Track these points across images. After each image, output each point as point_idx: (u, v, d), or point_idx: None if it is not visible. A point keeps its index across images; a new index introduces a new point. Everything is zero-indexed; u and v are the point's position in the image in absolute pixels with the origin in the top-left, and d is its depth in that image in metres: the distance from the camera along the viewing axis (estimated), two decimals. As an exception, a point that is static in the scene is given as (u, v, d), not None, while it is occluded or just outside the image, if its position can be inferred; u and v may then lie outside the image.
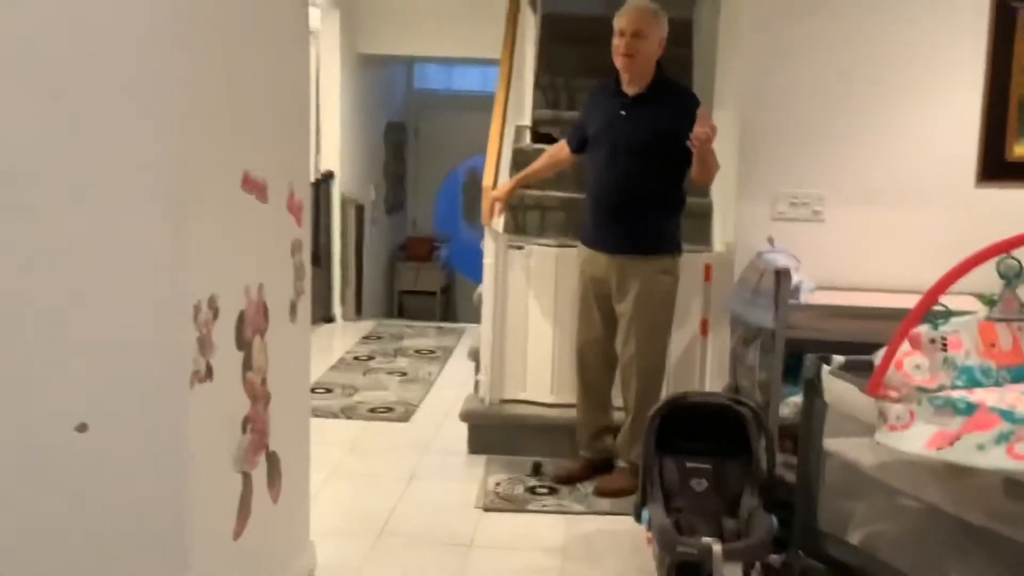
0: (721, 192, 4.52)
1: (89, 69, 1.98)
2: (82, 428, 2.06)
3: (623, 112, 3.73)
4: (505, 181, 4.38)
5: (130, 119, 2.01)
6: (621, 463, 3.86)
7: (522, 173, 4.20)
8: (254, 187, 2.44)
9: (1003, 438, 2.20)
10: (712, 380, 4.16)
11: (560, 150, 4.09)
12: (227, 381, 2.30)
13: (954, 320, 2.60)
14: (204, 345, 2.14)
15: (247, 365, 2.42)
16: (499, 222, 4.35)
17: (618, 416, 3.95)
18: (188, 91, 2.06)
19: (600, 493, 3.78)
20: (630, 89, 3.73)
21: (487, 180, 4.31)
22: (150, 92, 2.00)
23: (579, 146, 3.95)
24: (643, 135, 3.67)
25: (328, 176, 6.98)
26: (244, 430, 2.43)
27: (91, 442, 2.08)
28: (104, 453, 2.09)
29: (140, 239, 2.03)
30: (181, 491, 2.13)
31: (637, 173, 3.65)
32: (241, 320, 2.36)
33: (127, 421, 2.08)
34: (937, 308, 2.52)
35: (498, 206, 4.13)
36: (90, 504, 2.10)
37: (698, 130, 3.41)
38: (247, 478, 2.47)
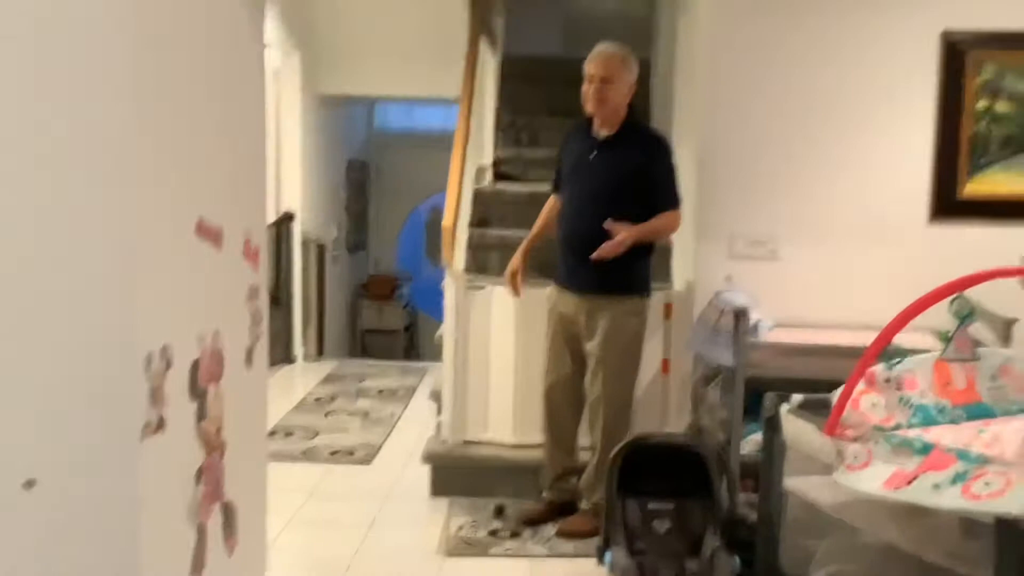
0: (681, 231, 4.54)
1: (34, 115, 1.95)
2: (30, 484, 2.00)
3: (593, 155, 3.76)
4: (465, 221, 4.39)
5: (77, 165, 1.98)
6: (584, 505, 3.84)
7: (528, 238, 4.10)
8: (208, 234, 2.41)
9: (959, 478, 2.21)
10: (674, 419, 4.16)
11: (552, 202, 4.06)
12: (180, 432, 2.26)
13: (909, 359, 2.62)
14: (156, 396, 2.10)
15: (201, 415, 2.38)
16: (459, 260, 4.35)
17: (583, 456, 3.93)
18: (138, 137, 2.03)
19: (563, 535, 3.76)
20: (601, 132, 3.76)
21: (447, 220, 4.31)
22: (98, 138, 1.98)
23: (559, 187, 3.98)
24: (612, 178, 3.69)
25: (289, 216, 6.95)
26: (198, 481, 2.38)
27: (39, 498, 2.02)
28: (52, 509, 2.04)
29: (88, 289, 2.00)
30: (132, 546, 2.08)
31: (605, 215, 3.65)
32: (195, 369, 2.32)
33: (76, 476, 2.03)
34: (891, 347, 2.54)
35: (519, 277, 4.00)
36: (38, 562, 2.05)
37: (604, 249, 3.55)
38: (201, 530, 2.42)
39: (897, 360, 2.60)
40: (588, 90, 3.70)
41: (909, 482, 2.31)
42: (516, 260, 4.03)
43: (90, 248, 1.99)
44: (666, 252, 4.73)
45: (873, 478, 2.40)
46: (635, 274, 3.75)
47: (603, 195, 3.69)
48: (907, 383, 2.60)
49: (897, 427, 2.53)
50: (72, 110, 1.97)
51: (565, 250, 3.82)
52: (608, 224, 3.57)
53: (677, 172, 3.72)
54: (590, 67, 3.71)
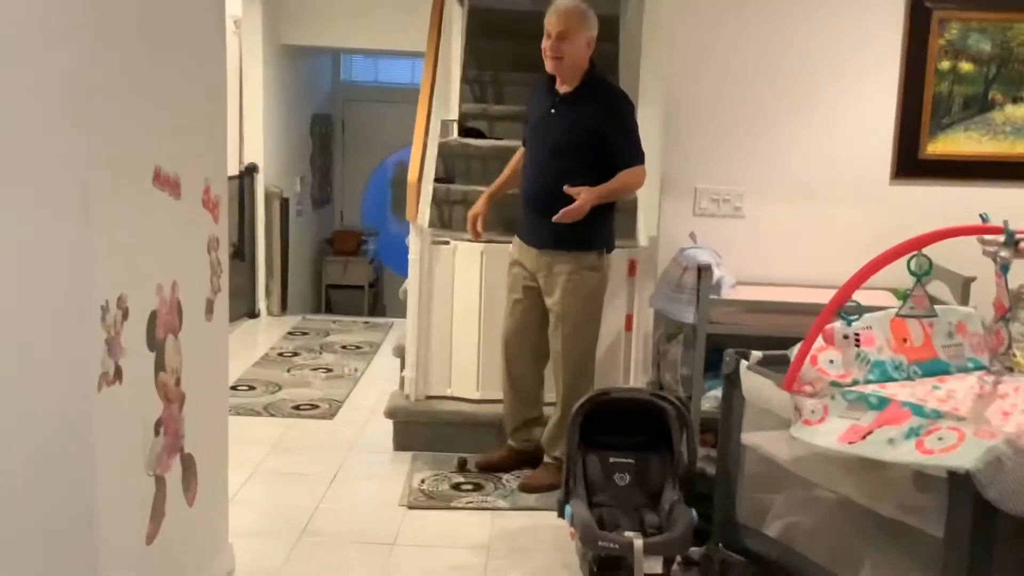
0: (645, 187, 4.53)
1: (-13, 60, 1.91)
2: (-17, 433, 1.98)
3: (553, 111, 3.74)
4: (430, 176, 4.36)
5: (32, 112, 1.94)
6: (546, 458, 3.87)
7: (493, 185, 4.10)
8: (166, 183, 2.38)
9: (913, 433, 2.25)
10: (636, 375, 4.19)
11: (519, 154, 4.04)
12: (138, 383, 2.24)
13: (867, 316, 2.65)
14: (112, 346, 2.08)
15: (160, 366, 2.36)
16: (424, 216, 4.32)
17: (548, 410, 3.96)
18: (94, 83, 1.99)
19: (525, 488, 3.79)
20: (561, 88, 3.73)
21: (412, 175, 4.27)
22: (54, 84, 1.94)
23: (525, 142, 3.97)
24: (571, 134, 3.67)
25: (252, 169, 6.86)
26: (157, 432, 2.37)
27: (-7, 447, 2.01)
28: (8, 459, 2.02)
29: (44, 237, 1.97)
30: (89, 496, 2.07)
31: (565, 171, 3.63)
32: (153, 320, 2.30)
33: (31, 426, 2.01)
34: (850, 304, 2.56)
35: (480, 221, 4.00)
36: (-7, 511, 2.03)
37: (565, 214, 3.54)
38: (160, 481, 2.41)
39: (855, 317, 2.62)
40: (546, 46, 3.67)
41: (864, 436, 2.35)
42: (479, 204, 4.04)
43: (42, 193, 1.95)
44: (631, 208, 4.73)
45: (829, 432, 2.44)
46: (595, 229, 3.72)
47: (563, 152, 3.67)
48: (865, 340, 2.63)
49: (854, 383, 2.56)
50: (24, 52, 1.92)
51: (526, 206, 3.82)
52: (568, 188, 3.55)
53: (637, 128, 3.70)
54: (547, 22, 3.67)
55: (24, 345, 1.99)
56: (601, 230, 3.75)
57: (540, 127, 3.78)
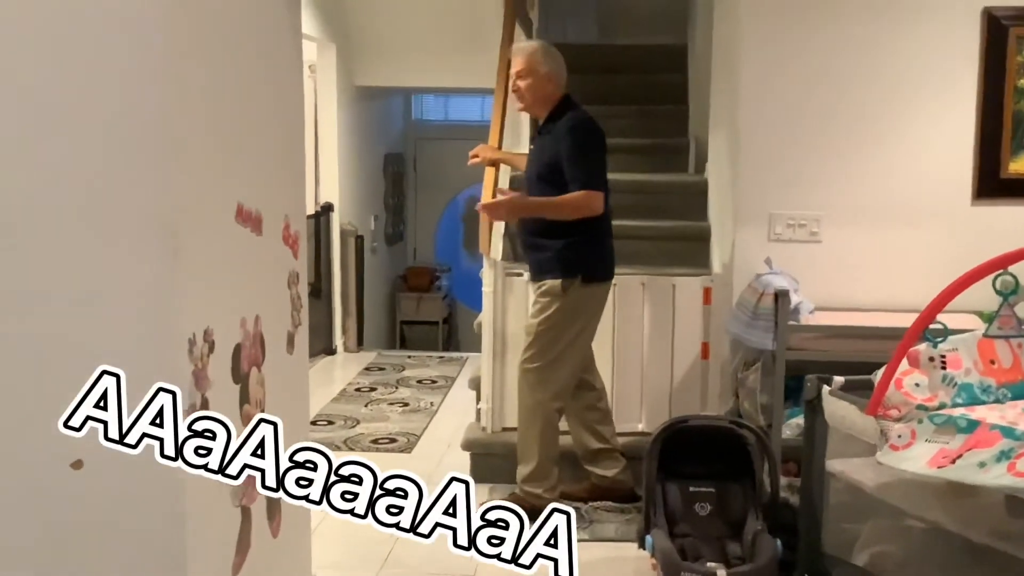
0: (718, 214, 4.52)
1: (77, 102, 1.99)
2: (77, 465, 2.04)
3: (532, 145, 4.01)
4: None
5: (119, 151, 2.01)
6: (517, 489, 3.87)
7: (508, 153, 4.45)
8: (248, 219, 2.44)
9: (1004, 456, 2.19)
10: (714, 403, 4.14)
11: None
12: (224, 414, 2.28)
13: (952, 338, 2.59)
14: (199, 379, 2.13)
15: (244, 398, 2.41)
16: (497, 249, 4.36)
17: (622, 440, 3.94)
18: (179, 123, 2.06)
19: None
20: (540, 123, 3.93)
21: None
22: (140, 124, 2.01)
23: None
24: (536, 166, 3.85)
25: (328, 208, 7.00)
26: (242, 464, 2.41)
27: (87, 479, 2.06)
28: (100, 491, 2.08)
29: (131, 273, 2.03)
30: (178, 528, 2.12)
31: None
32: (237, 353, 2.35)
33: (122, 458, 2.06)
34: (935, 326, 2.51)
35: (480, 159, 4.31)
36: (87, 544, 2.09)
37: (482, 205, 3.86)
38: (246, 512, 2.45)
39: (940, 339, 2.57)
40: (511, 86, 3.92)
41: (953, 460, 2.29)
42: (488, 148, 4.39)
43: (133, 231, 2.02)
44: (704, 237, 4.71)
45: (917, 457, 2.38)
46: (557, 257, 3.72)
47: (534, 184, 3.84)
48: (951, 362, 2.57)
49: (941, 406, 2.50)
50: (117, 93, 2.00)
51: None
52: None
53: (590, 154, 3.69)
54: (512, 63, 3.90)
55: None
56: (565, 258, 3.71)
57: (528, 161, 4.00)
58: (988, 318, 3.58)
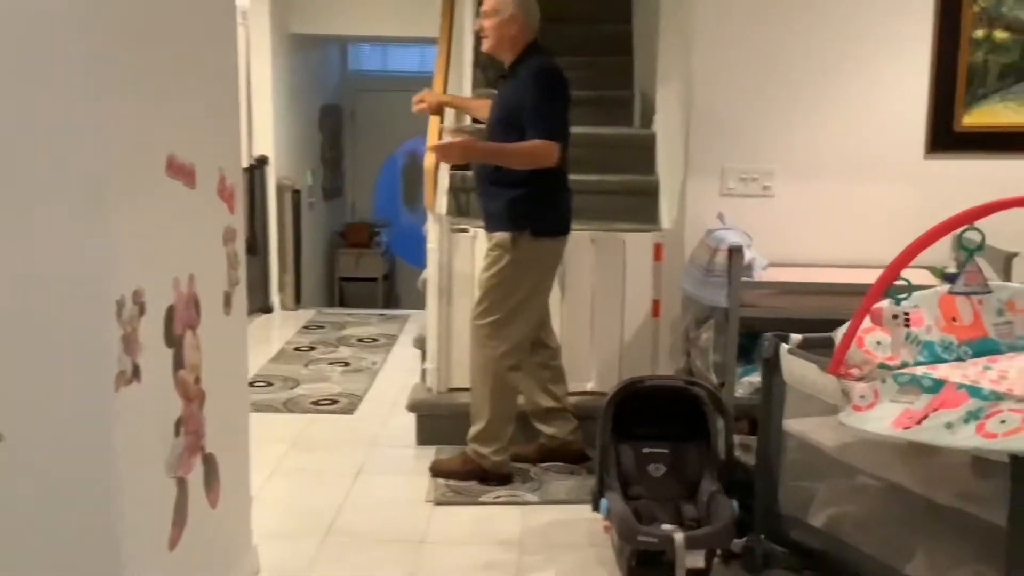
0: (668, 169, 4.43)
1: (-9, 45, 1.81)
2: (-3, 439, 1.89)
3: (496, 90, 3.84)
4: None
5: (41, 101, 1.84)
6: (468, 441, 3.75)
7: (459, 98, 4.29)
8: (180, 172, 2.27)
9: (972, 416, 2.13)
10: (664, 362, 4.07)
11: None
12: (157, 381, 2.14)
13: (916, 295, 2.53)
14: (130, 344, 1.98)
15: (178, 363, 2.26)
16: (442, 204, 4.21)
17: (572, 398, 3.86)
18: (103, 70, 1.89)
19: (433, 471, 3.76)
20: (505, 67, 3.77)
21: (428, 161, 4.16)
22: (59, 68, 1.83)
23: None
24: (496, 113, 3.72)
25: (262, 161, 6.76)
26: (177, 433, 2.27)
27: (9, 453, 1.91)
28: (24, 464, 1.93)
29: (55, 231, 1.87)
30: (110, 501, 1.98)
31: None
32: (170, 315, 2.20)
33: (47, 429, 1.92)
34: (899, 282, 2.44)
35: (426, 105, 4.15)
36: (11, 519, 1.94)
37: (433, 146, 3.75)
38: (182, 483, 2.31)
39: (904, 296, 2.51)
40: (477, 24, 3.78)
41: (919, 421, 2.23)
42: (434, 93, 4.27)
43: (56, 185, 1.85)
44: (652, 190, 4.62)
45: (881, 418, 2.32)
46: (510, 209, 3.59)
47: (494, 130, 3.70)
48: (913, 319, 2.51)
49: (903, 365, 2.44)
50: (29, 43, 1.82)
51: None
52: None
53: (552, 102, 3.54)
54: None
55: (39, 345, 1.89)
56: (517, 210, 3.59)
57: (491, 106, 3.83)
58: (940, 273, 3.58)
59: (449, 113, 4.55)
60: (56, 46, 1.83)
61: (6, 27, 1.82)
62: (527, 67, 3.61)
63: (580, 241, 4.07)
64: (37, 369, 1.90)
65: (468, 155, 3.73)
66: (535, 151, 3.50)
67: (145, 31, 2.09)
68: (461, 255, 4.18)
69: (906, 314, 2.50)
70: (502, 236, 3.60)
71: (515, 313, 3.63)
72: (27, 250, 1.87)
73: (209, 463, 2.49)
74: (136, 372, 2.01)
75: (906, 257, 2.40)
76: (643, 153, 4.85)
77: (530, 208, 3.58)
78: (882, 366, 2.44)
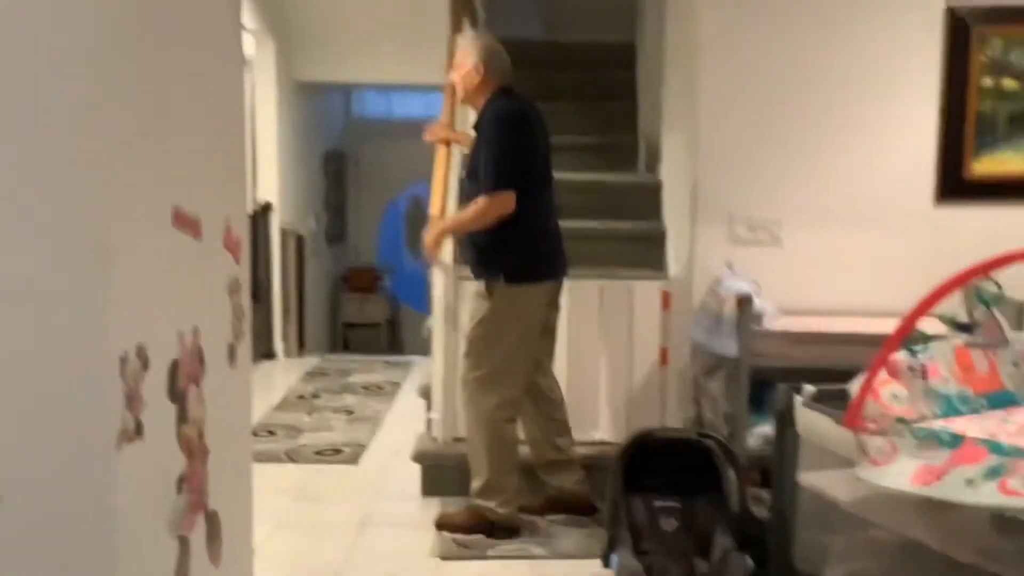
0: (674, 216, 4.41)
1: (-4, 98, 1.78)
2: (-6, 499, 1.83)
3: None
4: (451, 211, 4.22)
5: (40, 145, 1.81)
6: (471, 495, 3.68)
7: (462, 134, 4.18)
8: (186, 223, 2.23)
9: (993, 473, 2.08)
10: (673, 412, 4.02)
11: None
12: (159, 438, 2.08)
13: (931, 345, 2.49)
14: (132, 400, 1.93)
15: (182, 418, 2.21)
16: (447, 254, 4.18)
17: (581, 449, 3.80)
18: (109, 115, 1.86)
19: (438, 525, 3.67)
20: None
21: (434, 209, 4.13)
22: (65, 116, 1.80)
23: None
24: (467, 160, 3.74)
25: (266, 207, 6.76)
26: (180, 490, 2.21)
27: (6, 515, 1.86)
28: (23, 527, 1.87)
29: (56, 285, 1.83)
30: (111, 561, 1.92)
31: (469, 199, 3.63)
32: (174, 369, 2.15)
33: (47, 490, 1.86)
34: (915, 333, 2.40)
35: (436, 136, 4.18)
36: (7, 582, 1.88)
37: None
38: (184, 542, 2.25)
39: (920, 347, 2.46)
40: None
41: (939, 477, 2.18)
42: (441, 126, 4.26)
43: (58, 237, 1.82)
44: (659, 238, 4.60)
45: (900, 473, 2.27)
46: (487, 258, 3.56)
47: (469, 182, 3.69)
48: (931, 371, 2.47)
49: (921, 419, 2.39)
50: (40, 80, 1.79)
51: None
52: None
53: (503, 149, 3.47)
54: None
55: (39, 399, 1.84)
56: (495, 259, 3.55)
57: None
58: (952, 322, 3.54)
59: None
60: (59, 93, 1.80)
61: (6, 71, 1.80)
62: (483, 115, 3.61)
63: (587, 289, 4.04)
64: (37, 428, 1.85)
65: (441, 238, 3.75)
66: (485, 211, 3.46)
67: (152, 79, 2.07)
68: (467, 304, 4.13)
69: (923, 366, 2.45)
70: (479, 285, 3.59)
71: (503, 365, 3.55)
72: (28, 307, 1.83)
73: (211, 520, 2.43)
74: (139, 428, 1.96)
75: (923, 308, 2.36)
76: (649, 200, 4.85)
77: (500, 256, 3.53)
78: (899, 420, 2.39)
